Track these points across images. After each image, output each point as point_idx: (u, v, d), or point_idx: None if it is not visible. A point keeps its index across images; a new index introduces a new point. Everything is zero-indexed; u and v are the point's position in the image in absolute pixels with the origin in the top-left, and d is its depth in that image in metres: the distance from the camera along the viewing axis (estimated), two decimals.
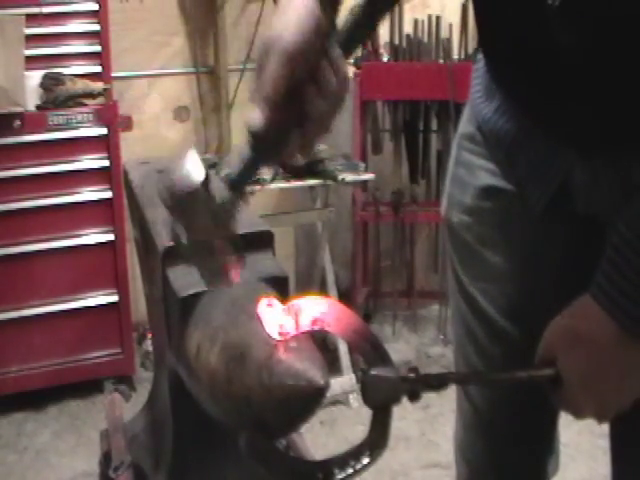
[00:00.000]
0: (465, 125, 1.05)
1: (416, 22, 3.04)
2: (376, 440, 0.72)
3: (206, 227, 0.78)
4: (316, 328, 0.75)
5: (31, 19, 2.48)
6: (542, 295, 0.97)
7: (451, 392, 1.52)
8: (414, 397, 0.74)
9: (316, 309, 0.74)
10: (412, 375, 0.75)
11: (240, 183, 0.78)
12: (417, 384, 0.74)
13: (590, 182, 0.88)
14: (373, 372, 0.74)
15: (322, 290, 2.87)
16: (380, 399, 0.73)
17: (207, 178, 0.75)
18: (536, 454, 1.16)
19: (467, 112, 1.05)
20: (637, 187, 0.81)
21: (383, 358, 0.75)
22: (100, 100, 2.58)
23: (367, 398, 0.74)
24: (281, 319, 0.76)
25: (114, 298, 2.68)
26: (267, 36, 0.71)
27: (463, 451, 1.20)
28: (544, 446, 1.17)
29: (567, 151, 0.88)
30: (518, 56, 0.86)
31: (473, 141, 1.01)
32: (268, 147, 0.74)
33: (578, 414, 0.81)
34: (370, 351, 0.75)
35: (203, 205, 0.75)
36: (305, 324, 0.75)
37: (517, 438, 1.12)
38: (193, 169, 0.75)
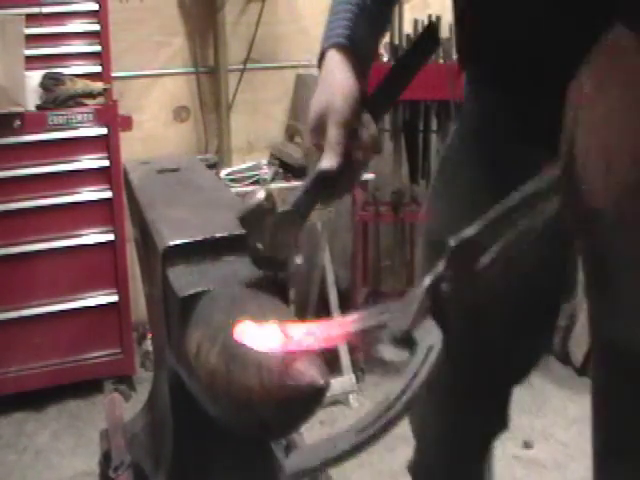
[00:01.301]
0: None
1: (416, 22, 3.04)
2: None
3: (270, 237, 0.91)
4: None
5: (31, 19, 2.48)
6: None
7: None
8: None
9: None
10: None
11: (302, 206, 0.95)
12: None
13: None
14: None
15: (322, 290, 2.88)
16: None
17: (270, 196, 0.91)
18: (487, 424, 1.21)
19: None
20: None
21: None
22: (100, 100, 2.58)
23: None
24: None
25: (114, 298, 2.68)
26: (319, 104, 0.93)
27: (417, 424, 1.24)
28: (496, 420, 1.22)
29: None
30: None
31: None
32: (330, 182, 0.94)
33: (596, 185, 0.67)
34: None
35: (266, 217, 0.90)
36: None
37: (471, 409, 1.17)
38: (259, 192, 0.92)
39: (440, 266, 0.68)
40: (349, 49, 0.93)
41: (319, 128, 0.91)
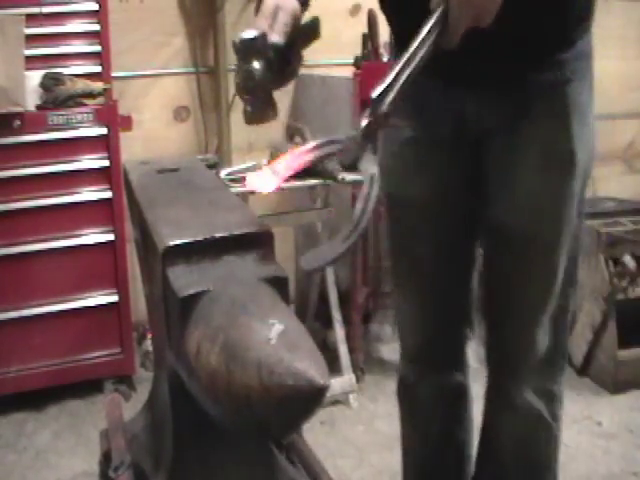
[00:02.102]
0: None
1: None
2: None
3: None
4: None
5: (31, 19, 2.48)
6: (450, 195, 1.38)
7: None
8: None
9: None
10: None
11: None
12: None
13: (477, 105, 1.27)
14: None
15: (322, 290, 2.87)
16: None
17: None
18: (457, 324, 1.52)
19: None
20: (515, 112, 1.25)
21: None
22: (100, 100, 2.58)
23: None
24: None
25: (114, 298, 2.68)
26: None
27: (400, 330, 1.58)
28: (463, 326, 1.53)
29: (458, 90, 1.23)
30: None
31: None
32: (281, 59, 1.11)
33: (461, 25, 1.02)
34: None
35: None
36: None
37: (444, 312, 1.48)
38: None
39: (367, 113, 0.97)
40: None
41: (272, 15, 1.11)
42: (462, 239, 1.44)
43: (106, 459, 1.51)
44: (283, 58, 1.09)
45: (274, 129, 3.17)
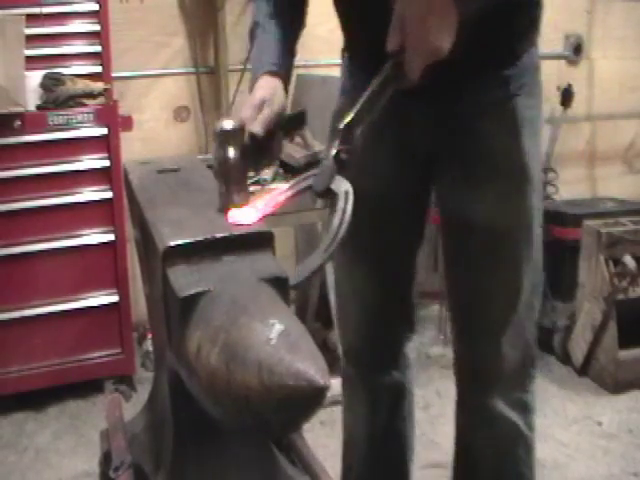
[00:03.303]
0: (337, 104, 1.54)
1: None
2: None
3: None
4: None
5: (31, 19, 2.48)
6: (396, 202, 1.42)
7: (452, 394, 1.53)
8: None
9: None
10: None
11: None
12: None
13: (424, 122, 1.31)
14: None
15: (322, 290, 2.87)
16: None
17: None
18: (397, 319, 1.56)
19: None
20: (461, 126, 1.28)
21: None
22: (100, 100, 2.58)
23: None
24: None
25: (114, 298, 2.68)
26: (264, 91, 1.22)
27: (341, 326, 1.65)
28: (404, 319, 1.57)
29: (405, 101, 1.22)
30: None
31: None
32: (258, 148, 1.19)
33: (418, 67, 1.06)
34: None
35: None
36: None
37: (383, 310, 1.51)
38: None
39: (336, 142, 1.04)
40: (278, 73, 1.26)
41: (258, 107, 1.19)
42: (405, 245, 1.49)
43: (106, 459, 1.51)
44: (262, 146, 1.17)
45: None
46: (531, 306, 1.40)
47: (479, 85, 1.27)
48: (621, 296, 2.70)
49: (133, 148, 2.81)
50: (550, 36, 3.50)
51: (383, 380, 1.60)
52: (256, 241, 1.05)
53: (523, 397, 1.44)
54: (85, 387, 2.71)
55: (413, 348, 1.61)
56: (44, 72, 2.52)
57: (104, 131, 2.58)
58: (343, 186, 0.99)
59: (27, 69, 2.45)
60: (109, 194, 2.61)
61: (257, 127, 1.16)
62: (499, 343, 1.39)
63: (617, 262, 2.72)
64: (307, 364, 0.78)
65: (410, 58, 1.05)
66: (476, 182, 1.32)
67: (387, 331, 1.56)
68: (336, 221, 0.95)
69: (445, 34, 1.03)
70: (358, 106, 1.06)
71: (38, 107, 2.51)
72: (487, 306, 1.40)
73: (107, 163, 2.60)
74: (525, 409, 1.44)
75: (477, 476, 1.51)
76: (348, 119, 1.04)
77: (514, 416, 1.43)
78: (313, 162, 2.53)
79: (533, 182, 1.32)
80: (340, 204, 0.97)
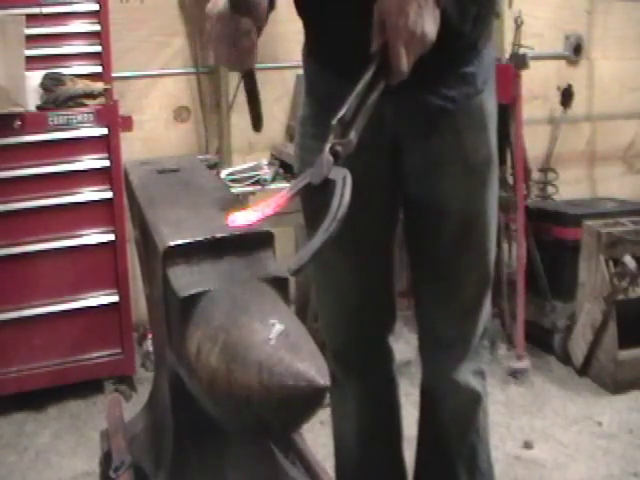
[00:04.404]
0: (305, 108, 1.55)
1: None
2: None
3: None
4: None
5: (31, 19, 2.48)
6: (369, 194, 1.35)
7: None
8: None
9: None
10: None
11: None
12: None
13: (394, 118, 1.31)
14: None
15: None
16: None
17: None
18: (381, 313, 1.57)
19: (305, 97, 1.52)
20: (430, 121, 1.30)
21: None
22: (100, 100, 2.58)
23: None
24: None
25: (114, 298, 2.68)
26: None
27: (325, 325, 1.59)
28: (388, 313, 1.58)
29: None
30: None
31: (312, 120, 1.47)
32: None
33: (408, 61, 1.05)
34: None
35: None
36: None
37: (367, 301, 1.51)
38: None
39: (331, 137, 1.04)
40: None
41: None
42: (381, 236, 1.50)
43: (106, 459, 1.51)
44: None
45: (274, 129, 3.17)
46: (491, 279, 1.50)
47: (447, 81, 1.30)
48: (621, 296, 2.69)
49: (133, 148, 2.81)
50: (550, 36, 3.50)
51: (370, 377, 1.60)
52: (256, 241, 1.05)
53: (481, 365, 1.57)
54: (85, 387, 2.71)
55: (396, 336, 1.66)
56: (44, 72, 2.52)
57: (104, 131, 2.58)
58: (341, 173, 1.01)
59: (27, 69, 2.45)
60: (109, 194, 2.61)
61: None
62: (471, 316, 1.49)
63: (617, 262, 2.72)
64: (307, 364, 0.78)
65: (394, 51, 1.05)
66: (445, 175, 1.36)
67: (370, 328, 1.56)
68: (335, 202, 0.95)
69: (426, 19, 1.04)
70: (347, 105, 1.06)
71: (38, 107, 2.51)
72: (461, 279, 1.46)
73: (107, 163, 2.60)
74: (483, 376, 1.57)
75: (442, 442, 1.58)
76: (340, 114, 1.06)
77: (477, 384, 1.54)
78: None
79: (496, 171, 1.42)
80: (339, 186, 0.98)
